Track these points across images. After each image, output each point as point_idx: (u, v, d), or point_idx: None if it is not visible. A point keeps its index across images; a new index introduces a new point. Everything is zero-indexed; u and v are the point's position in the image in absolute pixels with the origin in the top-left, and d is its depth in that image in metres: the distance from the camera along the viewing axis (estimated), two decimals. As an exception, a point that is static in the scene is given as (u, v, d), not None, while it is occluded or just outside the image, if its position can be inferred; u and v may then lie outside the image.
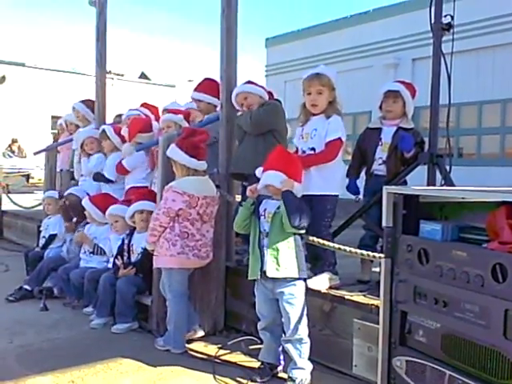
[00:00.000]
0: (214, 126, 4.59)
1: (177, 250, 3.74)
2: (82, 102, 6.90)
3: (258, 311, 3.34)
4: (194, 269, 3.95)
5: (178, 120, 4.98)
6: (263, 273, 3.19)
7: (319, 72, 3.69)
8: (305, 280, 3.25)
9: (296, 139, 3.83)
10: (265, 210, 3.27)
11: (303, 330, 3.16)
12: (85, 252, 5.01)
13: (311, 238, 3.38)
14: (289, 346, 3.17)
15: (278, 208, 3.19)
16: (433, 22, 3.82)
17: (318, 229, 3.54)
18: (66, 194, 5.77)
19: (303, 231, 3.22)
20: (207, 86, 5.09)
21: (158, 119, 5.52)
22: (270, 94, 4.49)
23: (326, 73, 3.69)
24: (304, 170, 3.43)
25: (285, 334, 3.20)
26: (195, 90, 5.19)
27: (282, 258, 3.15)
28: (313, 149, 3.65)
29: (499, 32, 11.49)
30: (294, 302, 3.16)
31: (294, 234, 3.19)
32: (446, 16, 3.80)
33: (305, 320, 3.19)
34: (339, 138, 3.60)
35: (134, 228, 4.56)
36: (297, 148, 3.82)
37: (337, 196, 3.69)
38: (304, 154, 3.69)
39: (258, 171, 3.33)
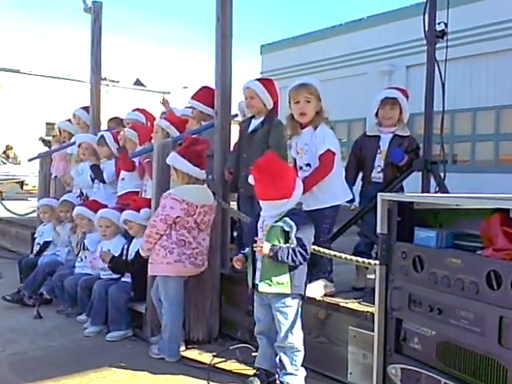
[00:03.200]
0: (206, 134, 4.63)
1: (174, 257, 3.72)
2: (83, 108, 6.93)
3: (255, 315, 3.32)
4: (188, 276, 3.94)
5: (165, 126, 4.98)
6: (255, 286, 3.18)
7: (306, 82, 3.69)
8: (300, 295, 3.19)
9: (293, 153, 3.82)
10: (263, 221, 3.23)
11: (296, 339, 3.14)
12: (81, 260, 5.00)
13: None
14: (281, 353, 3.16)
15: (276, 222, 3.14)
16: (426, 29, 3.84)
17: (317, 234, 3.54)
18: (60, 200, 5.76)
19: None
20: (203, 94, 5.10)
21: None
22: (275, 103, 4.35)
23: (312, 82, 3.69)
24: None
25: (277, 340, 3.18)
26: (192, 97, 5.23)
27: (275, 274, 3.11)
28: (308, 164, 3.64)
29: (492, 39, 11.56)
30: (287, 311, 3.13)
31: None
32: (439, 23, 3.82)
33: (298, 329, 3.16)
34: (328, 150, 3.55)
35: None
36: (295, 161, 3.81)
37: (336, 206, 3.68)
38: (302, 172, 3.67)
39: (250, 179, 3.32)
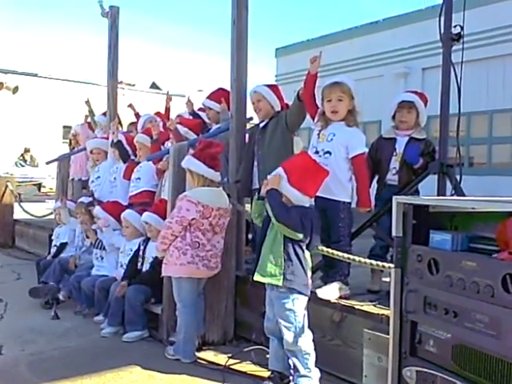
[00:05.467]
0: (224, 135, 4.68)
1: (187, 259, 3.75)
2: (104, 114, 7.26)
3: (266, 313, 3.34)
4: (206, 279, 3.96)
5: (183, 132, 5.07)
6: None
7: (339, 80, 3.75)
8: (300, 293, 3.15)
9: (313, 137, 3.82)
10: None
11: (303, 342, 3.12)
12: (97, 258, 5.06)
13: (320, 247, 3.38)
14: (292, 357, 3.15)
15: None
16: (442, 32, 3.83)
17: (336, 238, 3.54)
18: (77, 203, 5.85)
19: (300, 236, 3.10)
20: (220, 95, 5.15)
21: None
22: (286, 105, 4.42)
23: (346, 81, 3.75)
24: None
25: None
26: (208, 97, 5.28)
27: (269, 264, 3.13)
28: (328, 152, 3.64)
29: (509, 41, 11.45)
30: (288, 315, 3.12)
31: (289, 239, 3.11)
32: (455, 26, 3.80)
33: (304, 331, 3.15)
34: (364, 153, 3.69)
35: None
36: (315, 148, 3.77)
37: (349, 204, 3.69)
38: (317, 156, 3.65)
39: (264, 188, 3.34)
